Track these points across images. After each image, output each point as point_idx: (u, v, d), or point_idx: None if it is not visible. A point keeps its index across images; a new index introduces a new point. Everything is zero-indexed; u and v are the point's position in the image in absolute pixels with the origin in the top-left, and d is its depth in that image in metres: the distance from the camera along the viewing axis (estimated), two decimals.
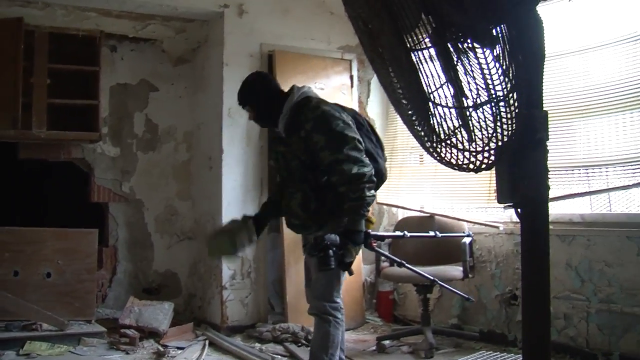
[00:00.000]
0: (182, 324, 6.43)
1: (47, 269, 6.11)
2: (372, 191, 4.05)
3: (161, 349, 5.66)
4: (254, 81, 4.51)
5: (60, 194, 7.44)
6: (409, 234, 5.06)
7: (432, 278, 5.22)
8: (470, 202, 6.31)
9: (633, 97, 5.05)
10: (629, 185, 5.17)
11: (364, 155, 4.10)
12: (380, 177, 4.30)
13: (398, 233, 5.03)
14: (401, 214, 6.99)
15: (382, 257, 6.13)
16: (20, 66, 6.08)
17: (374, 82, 7.27)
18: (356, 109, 7.11)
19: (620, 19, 5.19)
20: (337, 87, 7.00)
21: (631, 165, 5.13)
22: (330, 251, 3.91)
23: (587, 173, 5.45)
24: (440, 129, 2.39)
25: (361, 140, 4.17)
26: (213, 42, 6.84)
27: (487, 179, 5.75)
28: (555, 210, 5.57)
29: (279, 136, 4.44)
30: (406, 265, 5.00)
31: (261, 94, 4.45)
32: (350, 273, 4.15)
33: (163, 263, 7.18)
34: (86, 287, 6.22)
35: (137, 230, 7.08)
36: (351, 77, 7.13)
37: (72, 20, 6.42)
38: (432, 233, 5.46)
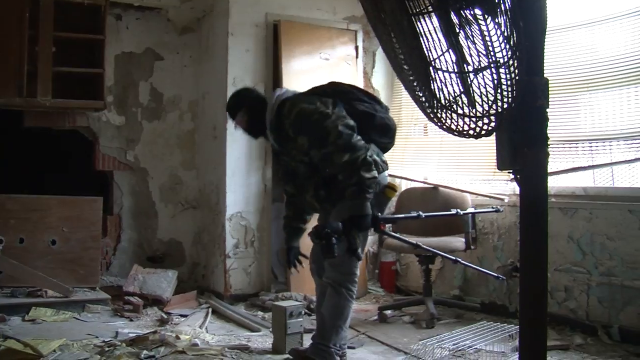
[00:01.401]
0: (186, 292, 6.50)
1: (52, 236, 6.16)
2: (372, 172, 4.06)
3: (164, 316, 5.72)
4: (239, 91, 4.72)
5: (65, 162, 7.47)
6: (424, 214, 4.86)
7: (454, 258, 5.18)
8: (475, 174, 6.31)
9: (638, 71, 5.04)
10: (632, 160, 5.17)
11: (355, 137, 4.10)
12: (387, 128, 4.42)
13: (413, 214, 4.90)
14: (404, 185, 7.00)
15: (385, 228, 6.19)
16: (25, 34, 6.08)
17: (379, 53, 7.26)
18: (361, 79, 7.13)
19: None
20: (342, 57, 6.99)
21: (635, 140, 5.13)
22: (333, 239, 3.87)
23: (591, 146, 5.44)
24: (441, 94, 2.41)
25: (345, 116, 4.20)
26: (218, 11, 6.83)
27: (492, 151, 5.74)
28: (558, 183, 5.58)
29: (276, 149, 4.62)
30: (422, 246, 4.93)
31: (247, 101, 4.57)
32: (358, 259, 4.15)
33: (167, 232, 7.22)
34: (91, 254, 6.28)
35: (142, 199, 7.11)
36: (356, 48, 7.11)
37: None
38: (454, 211, 5.31)
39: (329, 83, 4.61)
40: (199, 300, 6.40)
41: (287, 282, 6.50)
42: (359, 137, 4.11)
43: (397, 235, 5.16)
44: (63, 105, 6.47)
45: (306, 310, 5.84)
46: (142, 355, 4.50)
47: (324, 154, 4.13)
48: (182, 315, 5.83)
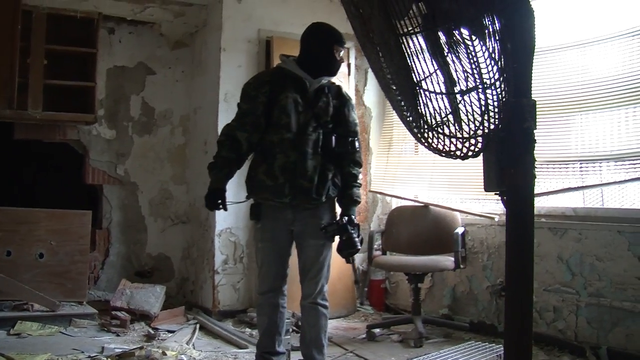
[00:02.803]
0: (174, 307, 6.45)
1: (40, 249, 6.12)
2: None
3: (152, 331, 5.68)
4: None
5: (55, 175, 7.44)
6: None
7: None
8: (466, 193, 6.31)
9: (630, 92, 5.04)
10: (622, 181, 5.17)
11: None
12: None
13: None
14: (395, 203, 7.00)
15: (375, 246, 6.19)
16: (17, 46, 6.05)
17: (371, 70, 7.25)
18: (353, 97, 7.11)
19: (619, 13, 5.18)
20: None
21: (625, 161, 5.13)
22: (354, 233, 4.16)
23: (581, 167, 5.45)
24: (428, 115, 2.40)
25: None
26: (211, 26, 6.83)
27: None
28: (548, 203, 5.59)
29: (291, 84, 4.32)
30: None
31: None
32: (351, 260, 4.35)
33: (156, 246, 7.19)
34: (79, 268, 6.23)
35: (131, 213, 7.09)
36: (348, 65, 7.10)
37: (70, 2, 6.39)
38: None
39: None
40: (187, 315, 6.36)
41: None
42: None
43: None
44: (54, 118, 6.45)
45: (294, 328, 5.80)
46: None
47: (358, 141, 4.42)
48: (169, 331, 5.80)
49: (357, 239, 4.14)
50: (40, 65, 6.27)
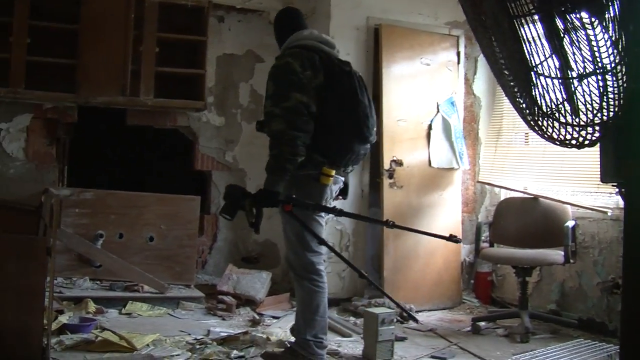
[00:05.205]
0: (279, 294, 6.48)
1: (150, 232, 6.28)
2: (296, 156, 4.03)
3: (257, 317, 5.73)
4: (277, 18, 4.81)
5: (165, 161, 7.61)
6: (338, 208, 4.28)
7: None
8: (577, 186, 6.11)
9: None
10: None
11: (303, 120, 4.07)
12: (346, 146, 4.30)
13: (335, 205, 4.46)
14: (503, 195, 6.86)
15: (482, 237, 6.06)
16: (130, 35, 6.25)
17: (481, 59, 7.10)
18: (462, 86, 7.03)
19: None
20: (444, 63, 6.87)
21: None
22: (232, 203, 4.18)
23: None
24: (543, 101, 2.32)
25: (310, 104, 4.12)
26: (320, 14, 6.83)
27: (596, 162, 5.55)
28: None
29: None
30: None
31: (280, 32, 4.71)
32: (256, 232, 4.29)
33: (263, 233, 7.11)
34: (187, 252, 6.37)
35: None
36: (458, 54, 6.98)
37: None
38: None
39: (345, 61, 4.59)
40: (292, 302, 6.37)
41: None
42: (305, 119, 4.08)
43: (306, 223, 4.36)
44: (164, 104, 6.60)
45: (399, 318, 5.76)
46: (232, 355, 4.53)
47: (270, 111, 4.14)
48: (274, 317, 5.84)
49: (231, 209, 4.26)
50: (152, 53, 6.41)
